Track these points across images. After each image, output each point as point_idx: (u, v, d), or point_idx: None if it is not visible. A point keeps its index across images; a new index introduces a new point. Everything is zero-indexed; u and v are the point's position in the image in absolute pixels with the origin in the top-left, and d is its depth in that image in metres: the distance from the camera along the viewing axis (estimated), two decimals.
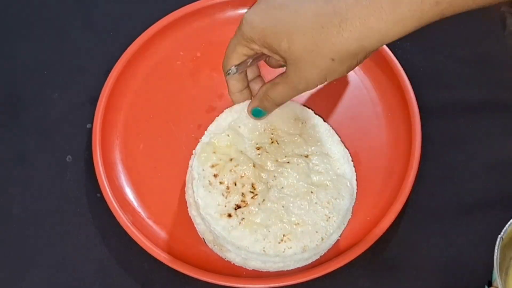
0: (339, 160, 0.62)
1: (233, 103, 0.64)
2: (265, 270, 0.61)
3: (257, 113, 0.61)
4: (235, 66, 0.58)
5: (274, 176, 0.59)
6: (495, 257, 0.54)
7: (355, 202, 0.63)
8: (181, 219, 0.65)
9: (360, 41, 0.48)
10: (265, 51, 0.55)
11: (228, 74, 0.59)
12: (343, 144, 0.64)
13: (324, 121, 0.65)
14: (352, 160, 0.65)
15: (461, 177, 0.67)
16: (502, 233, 0.55)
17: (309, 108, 0.67)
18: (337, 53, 0.49)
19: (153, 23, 0.74)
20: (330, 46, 0.49)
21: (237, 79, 0.61)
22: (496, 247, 0.54)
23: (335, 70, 0.51)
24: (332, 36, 0.48)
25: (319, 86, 0.56)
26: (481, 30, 0.76)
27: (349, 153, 0.65)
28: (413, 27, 0.48)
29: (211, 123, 0.67)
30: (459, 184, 0.66)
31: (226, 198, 0.58)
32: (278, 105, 0.59)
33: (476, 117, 0.70)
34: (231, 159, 0.59)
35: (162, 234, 0.64)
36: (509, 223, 0.55)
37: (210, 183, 0.59)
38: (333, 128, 0.66)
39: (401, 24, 0.47)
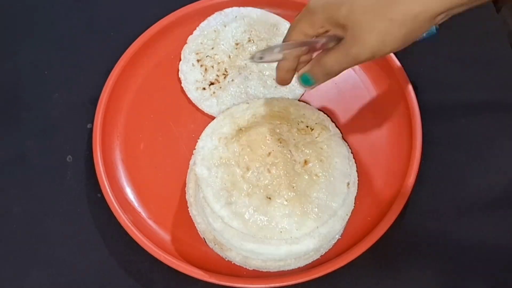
0: None
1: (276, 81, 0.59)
2: (265, 270, 0.61)
3: (305, 81, 0.56)
4: (280, 49, 0.53)
5: (245, 65, 0.71)
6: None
7: (356, 201, 0.63)
8: (181, 219, 0.65)
9: (422, 1, 0.47)
10: (326, 25, 0.52)
11: (257, 58, 0.52)
12: None
13: None
14: (353, 158, 0.65)
15: (461, 177, 0.67)
16: None
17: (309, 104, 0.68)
18: (397, 13, 0.48)
19: (153, 23, 0.74)
20: (390, 6, 0.48)
21: (291, 56, 0.55)
22: None
23: (392, 34, 0.49)
24: None
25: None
26: (481, 30, 0.76)
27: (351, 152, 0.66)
28: None
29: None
30: (459, 184, 0.66)
31: (203, 76, 0.71)
32: (328, 74, 0.54)
33: (476, 117, 0.70)
34: (212, 48, 0.72)
35: (162, 234, 0.64)
36: None
37: (193, 65, 0.72)
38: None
39: None
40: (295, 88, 0.71)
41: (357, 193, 0.63)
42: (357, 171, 0.64)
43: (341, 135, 0.65)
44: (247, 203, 0.59)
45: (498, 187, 0.66)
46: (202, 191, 0.60)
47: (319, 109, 0.68)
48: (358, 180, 0.64)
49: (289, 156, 0.61)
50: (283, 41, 0.56)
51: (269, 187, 0.60)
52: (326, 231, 0.59)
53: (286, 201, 0.59)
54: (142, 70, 0.73)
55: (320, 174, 0.61)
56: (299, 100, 0.70)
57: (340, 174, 0.61)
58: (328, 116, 0.66)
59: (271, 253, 0.59)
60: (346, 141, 0.66)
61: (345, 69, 0.53)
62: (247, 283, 0.60)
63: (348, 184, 0.61)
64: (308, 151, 0.62)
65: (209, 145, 0.63)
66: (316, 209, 0.59)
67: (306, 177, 0.60)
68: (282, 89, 0.70)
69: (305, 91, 0.71)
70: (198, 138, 0.67)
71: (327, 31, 0.53)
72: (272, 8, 0.75)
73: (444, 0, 0.47)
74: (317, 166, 0.61)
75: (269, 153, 0.61)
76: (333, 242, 0.62)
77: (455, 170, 0.67)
